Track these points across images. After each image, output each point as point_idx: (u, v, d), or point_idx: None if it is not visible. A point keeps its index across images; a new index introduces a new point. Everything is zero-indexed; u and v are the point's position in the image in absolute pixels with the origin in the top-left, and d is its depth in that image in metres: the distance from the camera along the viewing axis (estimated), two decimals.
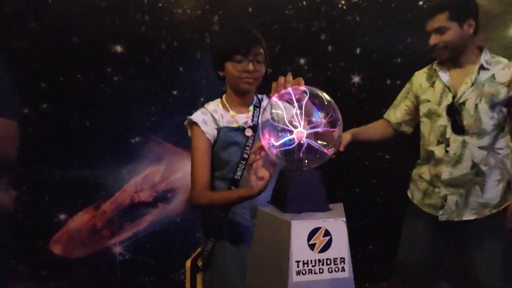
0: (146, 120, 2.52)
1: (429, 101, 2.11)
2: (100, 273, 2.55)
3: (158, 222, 2.59)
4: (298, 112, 1.19)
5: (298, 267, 1.08)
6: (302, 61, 2.71)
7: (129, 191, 2.54)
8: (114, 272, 2.56)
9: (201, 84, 2.55)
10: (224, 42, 1.62)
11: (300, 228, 1.09)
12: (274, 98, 1.26)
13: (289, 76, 1.30)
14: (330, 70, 2.74)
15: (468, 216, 2.01)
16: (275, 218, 1.15)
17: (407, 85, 2.29)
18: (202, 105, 1.73)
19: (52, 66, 2.39)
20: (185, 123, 1.70)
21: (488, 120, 1.96)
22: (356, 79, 2.74)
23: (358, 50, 2.78)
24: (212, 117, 1.65)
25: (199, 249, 1.80)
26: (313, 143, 1.19)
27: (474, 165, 1.99)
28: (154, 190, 2.57)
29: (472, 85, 1.98)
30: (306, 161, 1.21)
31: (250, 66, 1.58)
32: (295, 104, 1.20)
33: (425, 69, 2.23)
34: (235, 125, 1.65)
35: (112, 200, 2.52)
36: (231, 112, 1.67)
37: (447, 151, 2.02)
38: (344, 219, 1.12)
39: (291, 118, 1.20)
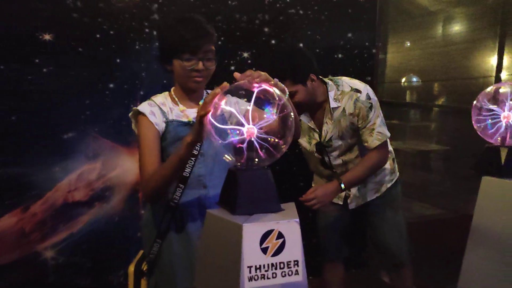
0: (80, 114, 2.34)
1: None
2: (30, 278, 2.36)
3: (95, 222, 2.43)
4: (249, 107, 1.13)
5: (250, 272, 1.02)
6: (245, 54, 2.65)
7: (62, 191, 2.35)
8: (45, 276, 2.38)
9: (140, 77, 2.41)
10: (171, 37, 1.50)
11: (251, 231, 1.03)
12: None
13: (258, 72, 1.23)
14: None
15: (371, 196, 2.26)
16: (225, 221, 1.08)
17: None
18: (141, 98, 1.63)
19: None
20: (130, 114, 1.59)
21: (354, 142, 2.16)
22: None
23: (301, 44, 2.78)
24: (160, 109, 1.56)
25: (141, 252, 1.69)
26: (264, 140, 1.14)
27: None
28: (90, 188, 2.41)
29: (333, 121, 2.10)
30: (256, 159, 1.15)
31: (200, 65, 1.50)
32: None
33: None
34: (185, 119, 1.56)
35: (43, 201, 2.32)
36: (181, 106, 1.58)
37: (334, 172, 2.22)
38: (297, 219, 1.08)
39: (242, 114, 1.14)
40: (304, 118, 2.17)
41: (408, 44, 3.52)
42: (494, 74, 2.66)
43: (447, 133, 3.42)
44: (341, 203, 2.29)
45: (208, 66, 1.52)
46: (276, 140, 1.15)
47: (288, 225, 1.06)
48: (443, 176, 3.53)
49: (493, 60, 2.66)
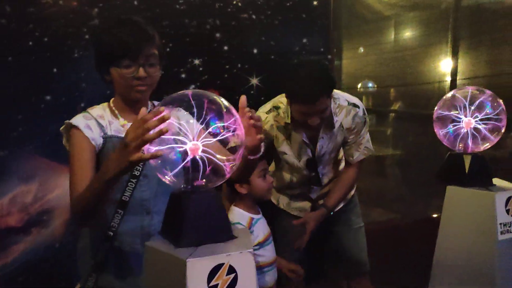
0: (12, 131, 2.10)
1: (285, 153, 2.08)
2: None
3: (33, 251, 2.19)
4: (192, 121, 0.98)
5: None
6: (196, 61, 2.49)
7: None
8: None
9: (80, 87, 2.20)
10: (107, 42, 1.33)
11: (198, 267, 0.88)
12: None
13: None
14: (227, 72, 2.57)
15: (339, 205, 2.20)
16: (167, 255, 0.92)
17: None
18: (82, 111, 1.44)
19: None
20: (61, 128, 1.40)
21: (335, 156, 2.16)
22: (254, 81, 2.61)
23: (255, 50, 2.65)
24: (97, 123, 1.38)
25: (78, 286, 1.50)
26: (211, 158, 0.99)
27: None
28: (26, 213, 2.16)
29: (329, 136, 2.03)
30: (203, 180, 1.00)
31: (141, 72, 1.32)
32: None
33: (270, 118, 2.06)
34: None
35: None
36: (121, 120, 1.41)
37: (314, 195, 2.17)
38: (251, 250, 0.93)
39: (185, 128, 0.99)
40: (296, 133, 2.03)
41: (362, 50, 3.48)
42: (448, 78, 2.65)
43: (403, 139, 3.39)
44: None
45: (151, 72, 1.35)
46: (224, 157, 1.01)
47: (241, 257, 0.92)
48: (399, 181, 3.51)
49: (447, 65, 2.64)
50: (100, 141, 1.36)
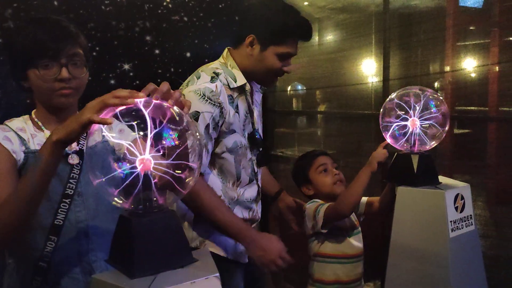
0: None
1: (234, 131, 1.64)
2: None
3: None
4: (142, 133, 0.86)
5: None
6: (126, 66, 2.33)
7: None
8: None
9: None
10: (22, 42, 1.16)
11: None
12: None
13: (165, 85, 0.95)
14: (160, 77, 2.43)
15: None
16: None
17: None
18: None
19: None
20: None
21: None
22: None
23: (188, 54, 2.54)
24: (17, 136, 1.20)
25: None
26: (164, 173, 0.88)
27: None
28: None
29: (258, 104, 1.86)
30: (155, 199, 0.89)
31: (64, 73, 1.16)
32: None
33: (221, 88, 1.59)
34: None
35: None
36: (46, 132, 1.23)
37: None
38: (218, 274, 0.83)
39: (132, 141, 0.87)
40: (241, 100, 1.68)
41: None
42: (378, 79, 2.71)
43: (336, 138, 3.43)
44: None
45: (76, 74, 1.19)
46: (180, 171, 0.90)
47: (207, 283, 0.82)
48: None
49: (379, 65, 2.70)
50: (21, 155, 1.18)
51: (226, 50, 1.75)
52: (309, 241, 1.85)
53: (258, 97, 1.83)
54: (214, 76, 1.60)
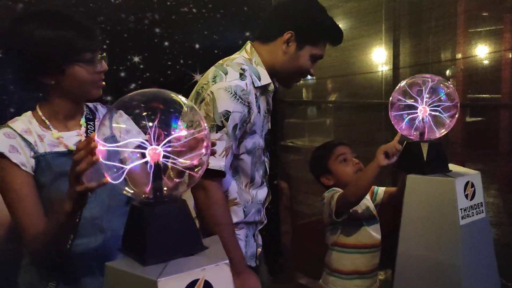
0: None
1: (255, 132, 1.58)
2: None
3: None
4: (151, 124, 0.88)
5: None
6: (136, 59, 2.35)
7: None
8: None
9: (8, 90, 1.99)
10: (61, 39, 1.14)
11: (170, 286, 0.78)
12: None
13: None
14: (169, 68, 2.45)
15: None
16: (132, 276, 0.82)
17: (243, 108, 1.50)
18: (12, 116, 1.25)
19: None
20: None
21: None
22: (198, 77, 2.51)
23: (197, 45, 2.55)
24: (24, 140, 1.18)
25: None
26: (174, 163, 0.89)
27: None
28: None
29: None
30: (166, 188, 0.90)
31: (105, 65, 1.23)
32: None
33: (251, 87, 1.52)
34: (62, 149, 1.21)
35: None
36: (54, 132, 1.22)
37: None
38: (227, 260, 0.85)
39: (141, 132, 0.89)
40: (263, 99, 1.63)
41: None
42: (389, 67, 2.69)
43: (347, 128, 3.41)
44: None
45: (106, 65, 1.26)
46: (188, 161, 0.91)
47: (217, 270, 0.83)
48: None
49: (389, 53, 2.67)
50: (31, 163, 1.17)
51: (249, 44, 1.61)
52: (326, 229, 1.84)
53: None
54: (243, 73, 1.49)
